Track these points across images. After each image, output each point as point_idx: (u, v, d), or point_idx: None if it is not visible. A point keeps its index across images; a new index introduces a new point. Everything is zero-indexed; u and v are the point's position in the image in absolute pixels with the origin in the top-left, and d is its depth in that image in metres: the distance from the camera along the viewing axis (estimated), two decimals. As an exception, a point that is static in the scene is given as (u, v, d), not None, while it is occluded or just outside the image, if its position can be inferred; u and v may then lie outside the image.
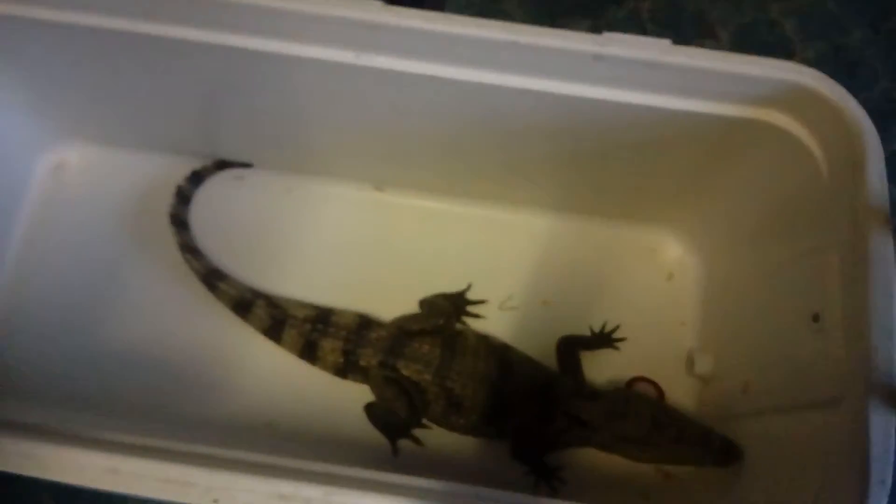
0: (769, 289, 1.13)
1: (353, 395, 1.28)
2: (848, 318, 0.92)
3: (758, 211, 1.18)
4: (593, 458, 1.24)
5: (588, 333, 1.33)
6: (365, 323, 1.28)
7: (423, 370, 1.21)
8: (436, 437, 1.27)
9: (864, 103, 1.56)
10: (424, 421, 1.26)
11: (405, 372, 1.22)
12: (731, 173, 1.17)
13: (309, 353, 1.27)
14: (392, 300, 1.32)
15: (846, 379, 0.90)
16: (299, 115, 1.22)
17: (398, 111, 1.15)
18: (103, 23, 1.04)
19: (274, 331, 1.27)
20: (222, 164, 1.41)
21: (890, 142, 1.52)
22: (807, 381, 0.97)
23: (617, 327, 1.33)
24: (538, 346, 1.30)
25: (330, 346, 1.25)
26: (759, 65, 0.98)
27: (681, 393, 1.29)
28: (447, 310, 1.30)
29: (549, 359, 1.29)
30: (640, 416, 1.16)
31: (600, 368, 1.31)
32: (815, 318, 0.96)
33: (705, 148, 1.12)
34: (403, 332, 1.25)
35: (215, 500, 0.82)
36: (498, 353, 1.24)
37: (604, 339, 1.33)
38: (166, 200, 1.35)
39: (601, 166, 1.22)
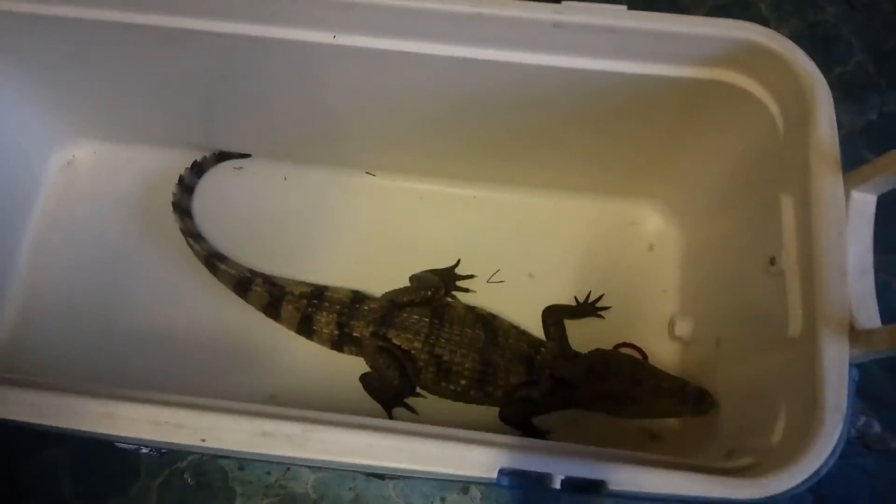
0: (735, 244, 1.17)
1: (350, 368, 1.34)
2: (802, 258, 0.96)
3: (725, 173, 1.22)
4: (581, 421, 1.28)
5: (573, 303, 1.37)
6: (358, 297, 1.34)
7: (413, 338, 1.27)
8: (429, 404, 1.32)
9: (841, 76, 1.61)
10: (418, 389, 1.31)
11: (396, 341, 1.27)
12: (697, 139, 1.22)
13: (305, 327, 1.33)
14: (385, 279, 1.37)
15: (803, 316, 0.94)
16: (289, 101, 1.29)
17: (379, 91, 1.22)
18: (103, 15, 1.13)
19: (272, 307, 1.34)
20: (222, 156, 1.49)
21: (867, 112, 1.56)
22: (768, 323, 1.01)
23: (601, 296, 1.38)
24: (525, 317, 1.35)
25: (325, 320, 1.31)
26: (710, 25, 1.03)
27: (664, 356, 1.33)
28: (436, 282, 1.35)
29: (537, 328, 1.34)
30: (618, 372, 1.20)
31: (587, 336, 1.35)
32: (772, 261, 1.00)
33: (670, 112, 1.17)
34: (394, 303, 1.31)
35: (203, 440, 0.88)
36: (484, 321, 1.29)
37: (588, 308, 1.37)
38: (170, 191, 1.43)
39: (575, 138, 1.28)
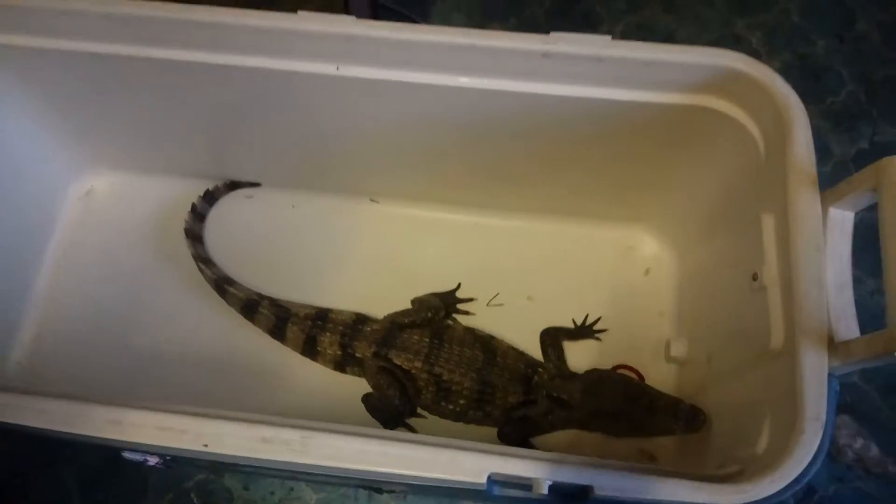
0: (723, 263, 1.21)
1: (352, 389, 1.37)
2: (783, 273, 0.99)
3: (712, 196, 1.26)
4: (580, 443, 1.31)
5: (571, 326, 1.41)
6: (360, 319, 1.38)
7: (414, 358, 1.30)
8: (429, 425, 1.35)
9: (832, 107, 1.66)
10: (418, 410, 1.35)
11: (397, 361, 1.31)
12: (685, 163, 1.27)
13: (310, 348, 1.37)
14: (388, 301, 1.42)
15: (784, 330, 0.97)
16: (295, 132, 1.36)
17: (381, 120, 1.28)
18: (120, 50, 1.20)
19: (278, 329, 1.38)
20: (233, 185, 1.56)
21: (858, 141, 1.60)
22: (753, 338, 1.04)
23: (598, 319, 1.41)
24: (524, 339, 1.38)
25: (328, 341, 1.35)
26: (691, 53, 1.08)
27: (661, 377, 1.36)
28: (436, 304, 1.39)
29: (535, 350, 1.37)
30: (613, 391, 1.23)
31: (585, 359, 1.39)
32: (755, 277, 1.04)
33: (658, 138, 1.22)
34: (396, 325, 1.35)
35: (205, 445, 0.92)
36: (483, 341, 1.33)
37: (586, 331, 1.41)
38: (183, 219, 1.49)
39: (569, 164, 1.33)
